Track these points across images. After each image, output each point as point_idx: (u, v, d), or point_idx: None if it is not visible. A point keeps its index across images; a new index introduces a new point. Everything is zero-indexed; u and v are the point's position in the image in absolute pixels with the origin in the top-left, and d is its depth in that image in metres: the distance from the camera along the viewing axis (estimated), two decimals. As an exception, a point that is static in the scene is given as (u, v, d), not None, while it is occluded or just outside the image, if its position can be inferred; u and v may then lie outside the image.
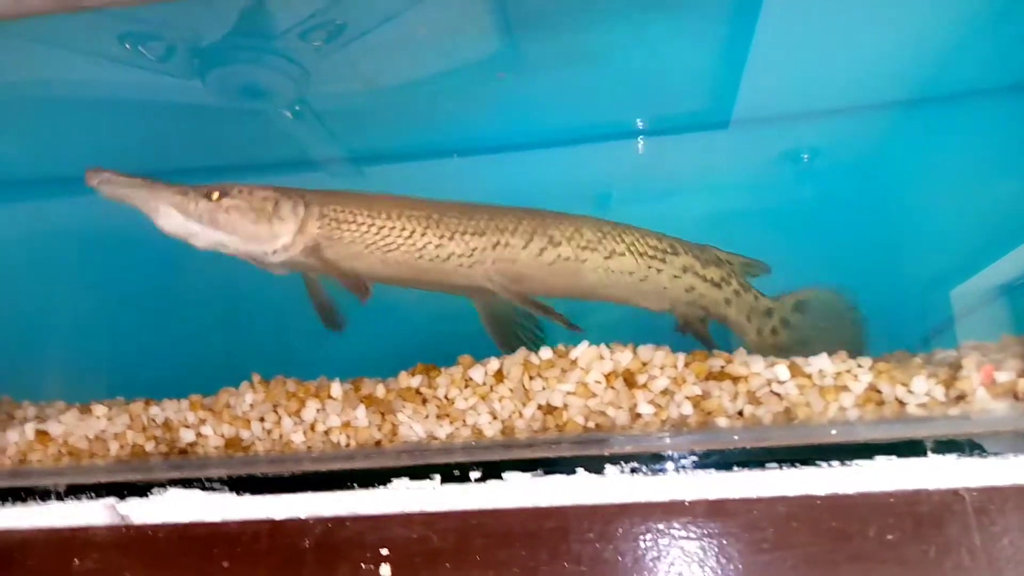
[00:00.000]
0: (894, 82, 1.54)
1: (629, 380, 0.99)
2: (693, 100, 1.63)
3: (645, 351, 1.01)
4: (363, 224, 1.21)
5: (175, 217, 1.17)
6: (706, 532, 0.87)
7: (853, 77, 1.53)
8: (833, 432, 0.91)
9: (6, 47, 1.47)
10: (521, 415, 1.00)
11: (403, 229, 1.21)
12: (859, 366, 0.95)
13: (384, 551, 0.92)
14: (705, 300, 1.34)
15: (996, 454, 0.86)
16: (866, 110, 1.63)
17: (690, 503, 0.88)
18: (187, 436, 1.07)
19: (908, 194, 1.54)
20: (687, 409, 0.96)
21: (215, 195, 1.20)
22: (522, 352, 1.04)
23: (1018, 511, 0.83)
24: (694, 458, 0.89)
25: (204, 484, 0.99)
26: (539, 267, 1.26)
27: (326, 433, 1.03)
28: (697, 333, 1.35)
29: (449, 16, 1.43)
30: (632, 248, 1.32)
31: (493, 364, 1.04)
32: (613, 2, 1.38)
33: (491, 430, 1.00)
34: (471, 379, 1.02)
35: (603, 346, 1.02)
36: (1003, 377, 0.93)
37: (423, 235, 1.22)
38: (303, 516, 0.95)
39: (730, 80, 1.53)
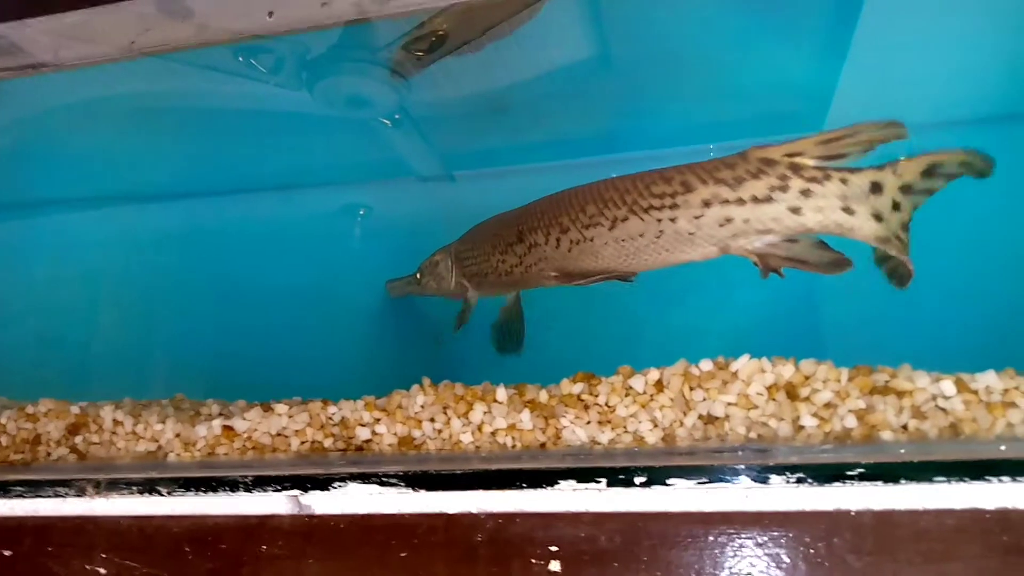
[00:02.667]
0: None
1: (791, 393, 1.01)
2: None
3: (807, 365, 1.03)
4: (474, 257, 1.46)
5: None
6: (872, 542, 0.88)
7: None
8: (1003, 448, 0.91)
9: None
10: (682, 424, 1.04)
11: (487, 254, 1.42)
12: (1028, 384, 0.95)
13: (553, 548, 0.97)
14: (761, 223, 1.09)
15: None
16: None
17: (856, 513, 0.90)
18: (363, 434, 1.15)
19: None
20: (851, 422, 0.98)
21: (417, 276, 1.62)
22: (682, 363, 1.08)
23: None
24: (860, 470, 0.92)
25: (381, 479, 1.07)
26: (564, 257, 1.25)
27: (493, 434, 1.09)
28: (796, 263, 1.11)
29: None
30: (635, 206, 1.17)
31: (653, 374, 1.08)
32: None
33: (652, 437, 1.04)
34: (631, 388, 1.07)
35: (764, 359, 1.05)
36: None
37: (500, 257, 1.38)
38: (474, 511, 1.01)
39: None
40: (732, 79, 1.58)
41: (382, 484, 1.07)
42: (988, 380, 0.96)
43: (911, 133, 1.61)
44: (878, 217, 1.02)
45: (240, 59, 1.57)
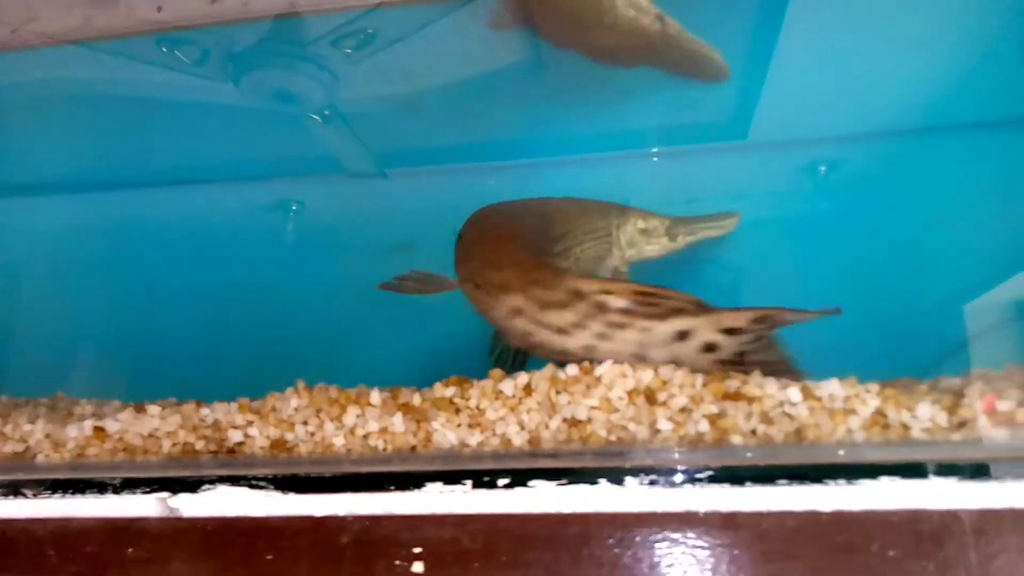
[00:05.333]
0: (913, 110, 1.59)
1: (650, 397, 1.05)
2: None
3: (666, 370, 1.07)
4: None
5: None
6: (718, 542, 0.93)
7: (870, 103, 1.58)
8: (841, 452, 0.97)
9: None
10: (547, 427, 1.06)
11: None
12: (867, 391, 1.01)
13: (417, 549, 0.98)
14: (557, 349, 1.18)
15: (994, 479, 0.91)
16: (886, 135, 1.67)
17: (705, 514, 0.94)
18: (235, 436, 1.15)
19: (926, 217, 1.58)
20: (704, 426, 1.02)
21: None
22: (550, 368, 1.11)
23: (1013, 533, 0.88)
24: (709, 472, 0.96)
25: (251, 482, 1.07)
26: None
27: (365, 437, 1.10)
28: None
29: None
30: (477, 280, 1.28)
31: (522, 378, 1.11)
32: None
33: (519, 440, 1.06)
34: (502, 391, 1.09)
35: (626, 365, 1.09)
36: (1004, 406, 0.99)
37: None
38: (342, 514, 1.02)
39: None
40: (661, 85, 1.61)
41: (252, 487, 1.07)
42: (831, 388, 1.01)
43: (834, 144, 1.69)
44: (676, 361, 1.10)
45: (164, 50, 1.55)
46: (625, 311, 1.09)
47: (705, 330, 1.09)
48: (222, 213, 1.97)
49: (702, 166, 1.72)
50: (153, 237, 1.98)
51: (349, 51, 1.55)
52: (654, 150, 1.69)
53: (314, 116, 1.69)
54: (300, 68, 1.59)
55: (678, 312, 1.08)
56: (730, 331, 1.09)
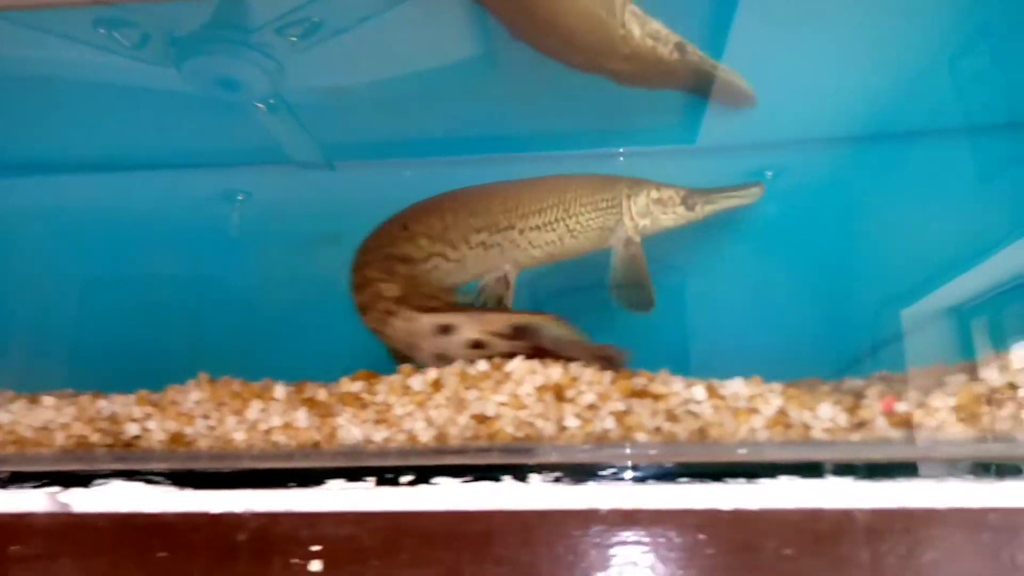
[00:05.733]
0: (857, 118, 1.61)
1: (559, 394, 1.05)
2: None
3: (575, 367, 1.07)
4: None
5: None
6: (618, 540, 0.92)
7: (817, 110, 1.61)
8: (742, 451, 0.97)
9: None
10: (455, 423, 1.05)
11: None
12: (771, 391, 1.02)
13: (316, 547, 0.96)
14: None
15: (888, 478, 0.93)
16: (831, 142, 1.70)
17: (606, 512, 0.94)
18: (132, 429, 1.11)
19: (865, 223, 1.61)
20: (610, 423, 1.02)
21: None
22: (459, 364, 1.10)
23: (904, 532, 0.90)
24: (612, 470, 0.96)
25: (147, 477, 1.03)
26: None
27: (267, 432, 1.08)
28: None
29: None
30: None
31: (431, 373, 1.09)
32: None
33: (425, 436, 1.05)
34: (410, 387, 1.08)
35: (536, 361, 1.08)
36: (902, 407, 1.01)
37: None
38: (239, 511, 0.99)
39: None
40: (615, 87, 1.60)
41: (148, 482, 1.03)
42: (735, 387, 1.02)
43: (782, 150, 1.70)
44: (444, 355, 1.19)
45: (101, 31, 1.49)
46: (397, 299, 1.22)
47: (468, 328, 1.18)
48: (163, 201, 1.91)
49: (650, 169, 1.74)
50: (86, 224, 1.91)
51: (294, 39, 1.52)
52: (607, 151, 1.69)
53: (259, 104, 1.66)
54: (244, 55, 1.54)
55: (435, 309, 1.20)
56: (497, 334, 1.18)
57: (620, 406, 1.03)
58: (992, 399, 1.01)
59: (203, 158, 1.89)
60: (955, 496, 0.91)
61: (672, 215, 1.46)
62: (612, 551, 0.92)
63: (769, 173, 1.65)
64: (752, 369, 1.20)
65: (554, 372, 1.06)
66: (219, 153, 1.89)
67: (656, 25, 1.45)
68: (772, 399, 1.01)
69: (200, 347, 1.76)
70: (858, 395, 1.04)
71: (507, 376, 1.07)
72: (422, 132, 1.78)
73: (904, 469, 0.94)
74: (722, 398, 1.02)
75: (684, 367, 1.19)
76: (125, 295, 1.84)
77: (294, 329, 1.74)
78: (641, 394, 1.03)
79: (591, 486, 0.95)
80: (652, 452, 0.98)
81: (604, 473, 0.95)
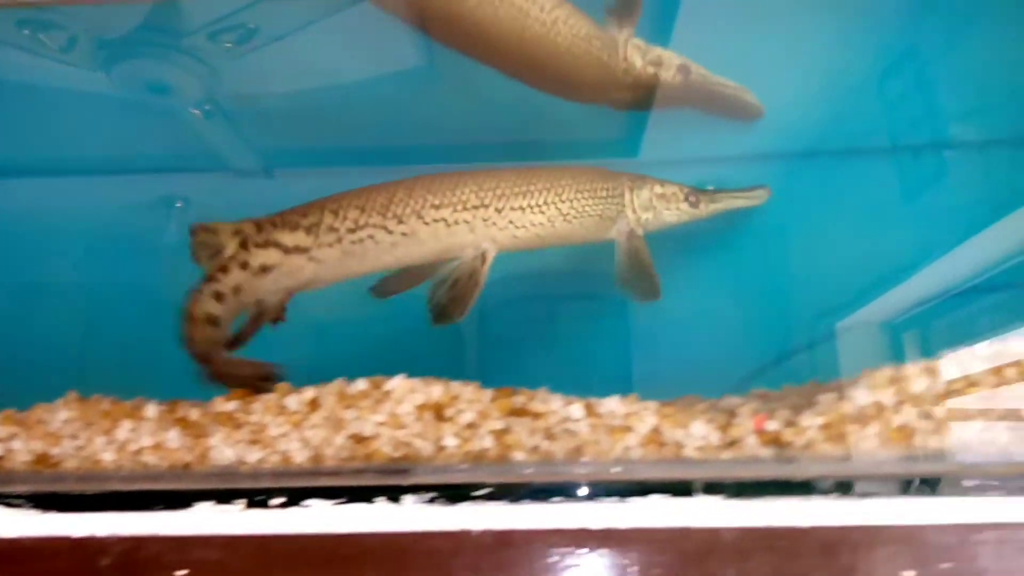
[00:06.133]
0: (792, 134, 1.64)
1: (438, 413, 1.04)
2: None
3: (456, 386, 1.06)
4: None
5: None
6: (490, 562, 0.92)
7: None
8: (615, 470, 0.98)
9: None
10: (331, 443, 1.04)
11: None
12: (645, 409, 1.03)
13: (182, 572, 0.93)
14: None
15: (755, 497, 0.95)
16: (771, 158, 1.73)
17: (478, 533, 0.93)
18: (-6, 450, 1.06)
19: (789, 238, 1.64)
20: (489, 442, 1.02)
21: None
22: (339, 382, 1.08)
23: (767, 551, 0.91)
24: (487, 490, 0.95)
25: (7, 499, 0.99)
26: None
27: (137, 453, 1.04)
28: None
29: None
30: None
31: (309, 392, 1.07)
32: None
33: (300, 457, 1.03)
34: (286, 406, 1.06)
35: (417, 379, 1.07)
36: (773, 426, 1.03)
37: None
38: (103, 535, 0.96)
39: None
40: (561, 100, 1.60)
41: (7, 505, 0.99)
42: (612, 405, 1.03)
43: (721, 164, 1.72)
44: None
45: (26, 32, 1.44)
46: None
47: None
48: (96, 207, 1.85)
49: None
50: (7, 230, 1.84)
51: (229, 45, 1.48)
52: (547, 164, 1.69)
53: (194, 111, 1.62)
54: (175, 60, 1.51)
55: None
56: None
57: (499, 424, 1.02)
58: (859, 418, 1.04)
59: (139, 164, 1.84)
60: (820, 515, 0.93)
61: (676, 211, 1.46)
62: (481, 573, 0.91)
63: (710, 188, 1.66)
64: (650, 385, 1.22)
65: (435, 390, 1.05)
66: (155, 159, 1.84)
67: (658, 51, 1.47)
68: (647, 417, 1.02)
69: (101, 360, 1.71)
70: (732, 413, 1.06)
71: (387, 395, 1.05)
72: (361, 141, 1.77)
73: (772, 488, 0.96)
74: (599, 416, 1.03)
75: (580, 384, 1.21)
76: (37, 305, 1.78)
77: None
78: (520, 412, 1.03)
79: (465, 507, 0.95)
80: (528, 471, 0.98)
81: (479, 494, 0.95)
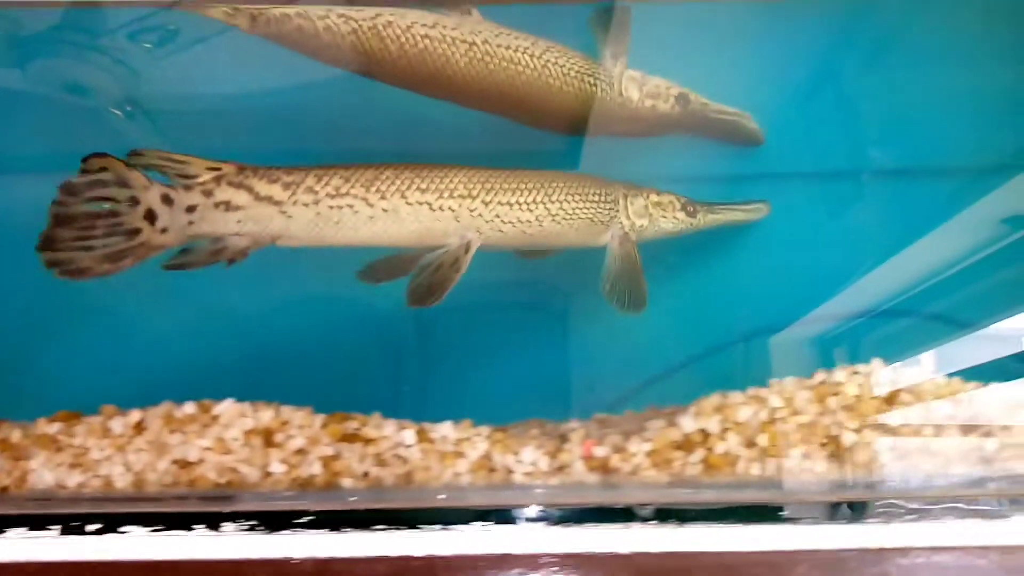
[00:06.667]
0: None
1: (267, 438, 1.03)
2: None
3: (287, 410, 1.05)
4: None
5: None
6: (309, 589, 0.91)
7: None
8: (441, 496, 0.98)
9: None
10: (155, 468, 1.01)
11: None
12: (478, 434, 1.04)
13: (-14, 603, 0.90)
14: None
15: (579, 523, 0.96)
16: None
17: (298, 561, 0.92)
18: None
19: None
20: (317, 469, 1.01)
21: None
22: (166, 405, 1.06)
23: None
24: (310, 518, 0.94)
25: None
26: None
27: (-52, 478, 1.00)
28: None
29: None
30: None
31: (135, 415, 1.05)
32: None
33: (122, 482, 1.00)
34: (110, 429, 1.03)
35: (247, 403, 1.06)
36: (601, 451, 1.05)
37: None
38: (-99, 568, 0.91)
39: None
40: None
41: None
42: (445, 430, 1.03)
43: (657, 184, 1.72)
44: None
45: None
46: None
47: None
48: (15, 207, 1.76)
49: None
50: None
51: (148, 46, 1.44)
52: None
53: (115, 111, 1.57)
54: (92, 60, 1.45)
55: None
56: None
57: (329, 451, 1.02)
58: (683, 445, 1.07)
59: (61, 163, 1.77)
60: (640, 541, 0.95)
61: (672, 220, 1.46)
62: (298, 602, 0.91)
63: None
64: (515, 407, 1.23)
65: (265, 415, 1.04)
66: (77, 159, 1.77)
67: (656, 81, 1.47)
68: (479, 443, 1.03)
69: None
70: (564, 438, 1.07)
71: (215, 419, 1.04)
72: (284, 144, 1.74)
73: (593, 514, 0.97)
74: (431, 442, 1.03)
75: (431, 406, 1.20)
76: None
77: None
78: (352, 438, 1.02)
79: (286, 535, 0.94)
80: (353, 499, 0.97)
81: (301, 521, 0.94)
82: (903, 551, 0.96)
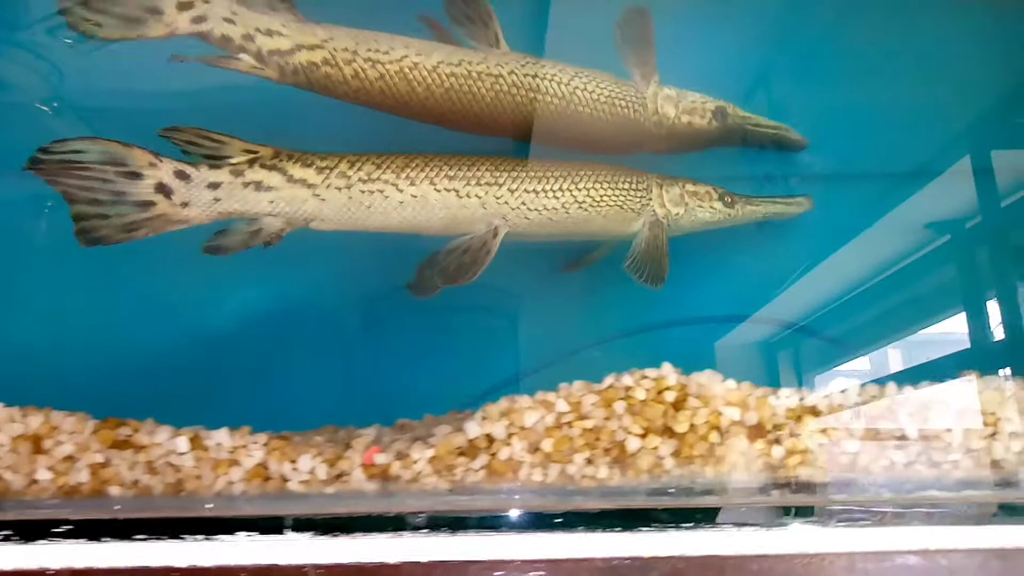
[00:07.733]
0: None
1: (36, 445, 1.00)
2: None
3: (59, 416, 1.03)
4: None
5: None
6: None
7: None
8: (209, 506, 0.98)
9: None
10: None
11: None
12: (255, 442, 1.03)
13: None
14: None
15: (348, 533, 0.97)
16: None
17: (54, 572, 0.90)
18: None
19: None
20: (84, 476, 0.99)
21: None
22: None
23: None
24: (69, 527, 0.92)
25: None
26: None
27: None
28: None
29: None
30: None
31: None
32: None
33: None
34: None
35: (17, 408, 1.03)
36: (382, 459, 1.06)
37: None
38: None
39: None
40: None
41: None
42: (221, 437, 1.03)
43: None
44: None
45: None
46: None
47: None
48: None
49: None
50: None
51: (69, 41, 1.39)
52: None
53: (42, 107, 1.49)
54: (9, 55, 1.44)
55: None
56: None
57: (99, 457, 1.00)
58: (467, 451, 1.09)
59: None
60: (410, 551, 0.97)
61: (709, 209, 1.47)
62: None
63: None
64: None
65: (34, 420, 1.01)
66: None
67: (692, 97, 1.48)
68: (255, 451, 1.02)
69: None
70: (347, 446, 1.08)
71: (-18, 425, 1.01)
72: None
73: (366, 523, 0.98)
74: (206, 449, 1.02)
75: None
76: None
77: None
78: (123, 445, 1.01)
79: (43, 544, 0.92)
80: (117, 508, 0.96)
81: (59, 531, 0.92)
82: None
